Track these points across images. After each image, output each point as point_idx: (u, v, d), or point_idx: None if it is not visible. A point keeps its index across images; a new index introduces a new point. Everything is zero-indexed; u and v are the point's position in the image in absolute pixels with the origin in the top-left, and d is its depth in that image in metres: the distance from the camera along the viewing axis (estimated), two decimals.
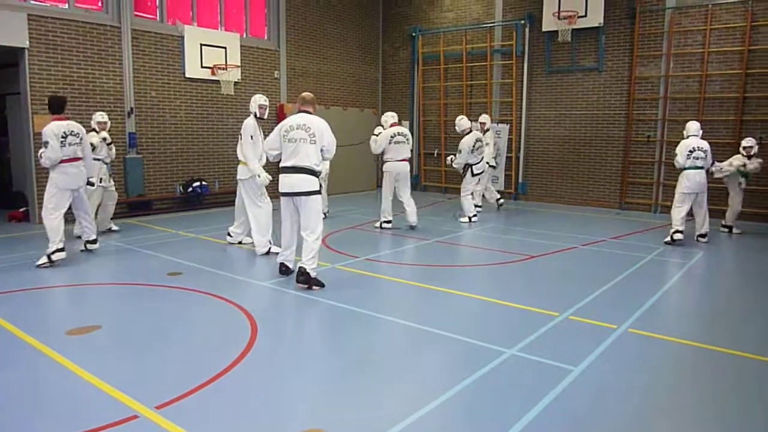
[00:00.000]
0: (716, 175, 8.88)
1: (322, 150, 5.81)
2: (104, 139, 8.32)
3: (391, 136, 9.06)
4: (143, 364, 4.04)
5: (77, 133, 6.90)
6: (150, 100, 10.84)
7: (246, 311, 5.11)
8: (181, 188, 11.30)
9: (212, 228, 9.33)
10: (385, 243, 8.34)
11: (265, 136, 6.64)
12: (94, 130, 8.30)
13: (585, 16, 11.97)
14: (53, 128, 6.68)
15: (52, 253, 6.68)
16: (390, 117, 9.36)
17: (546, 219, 10.88)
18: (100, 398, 3.46)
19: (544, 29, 12.58)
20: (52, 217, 6.70)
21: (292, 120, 5.79)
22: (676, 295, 5.91)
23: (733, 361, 4.22)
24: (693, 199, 8.32)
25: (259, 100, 7.36)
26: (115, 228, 8.77)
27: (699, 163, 8.18)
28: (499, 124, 13.53)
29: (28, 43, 9.13)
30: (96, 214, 8.26)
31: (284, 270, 6.27)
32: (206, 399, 3.48)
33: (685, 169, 8.25)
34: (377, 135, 9.28)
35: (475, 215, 10.27)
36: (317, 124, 5.77)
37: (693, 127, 8.38)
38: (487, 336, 4.55)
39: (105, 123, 8.46)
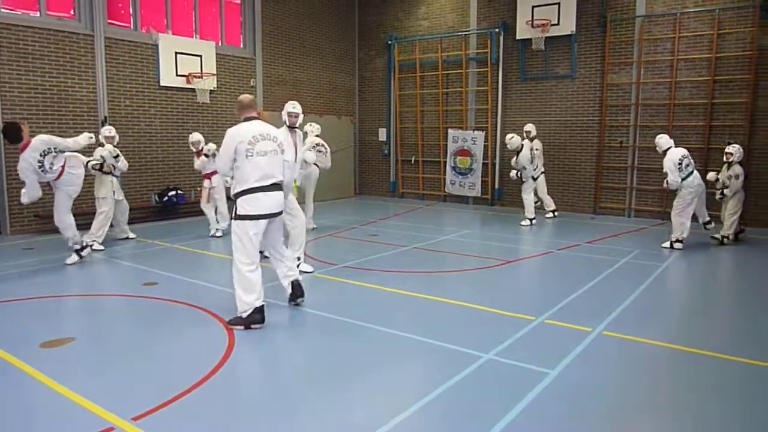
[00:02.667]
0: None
1: (284, 165, 5.09)
2: (109, 152, 8.38)
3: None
4: (119, 375, 3.99)
5: (53, 145, 6.85)
6: (124, 108, 10.72)
7: (223, 320, 5.08)
8: (156, 197, 11.18)
9: (188, 237, 9.25)
10: (363, 250, 8.35)
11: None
12: (101, 144, 8.49)
13: (558, 24, 12.17)
14: (28, 159, 6.60)
15: (82, 248, 7.31)
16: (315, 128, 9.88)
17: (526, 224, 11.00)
18: (75, 411, 3.42)
19: (518, 37, 12.76)
20: (68, 218, 7.11)
21: (251, 130, 4.90)
22: (650, 298, 6.02)
23: (707, 362, 4.31)
24: (695, 200, 8.46)
25: (287, 107, 6.70)
26: (132, 236, 9.09)
27: (691, 168, 8.39)
28: (475, 131, 13.67)
29: None
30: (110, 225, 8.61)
31: (261, 317, 4.95)
32: (184, 409, 3.45)
33: (683, 179, 8.32)
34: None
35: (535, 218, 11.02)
36: (278, 132, 5.16)
37: (664, 140, 8.54)
38: (464, 341, 4.59)
39: (112, 137, 8.57)
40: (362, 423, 3.29)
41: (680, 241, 8.44)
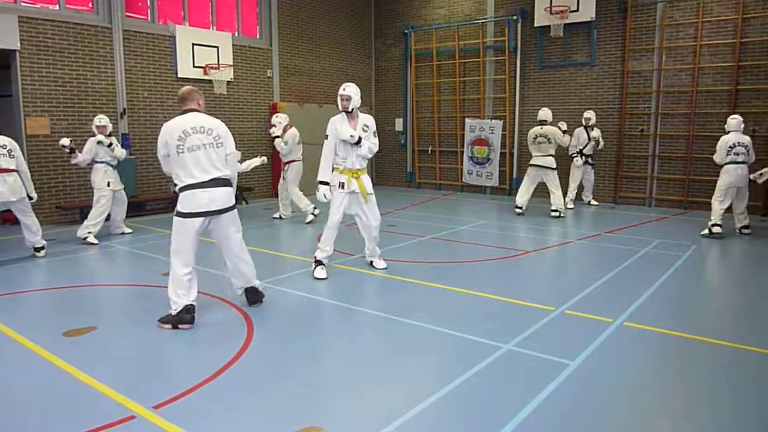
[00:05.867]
0: (759, 181, 8.43)
1: (226, 159, 4.82)
2: (100, 142, 8.09)
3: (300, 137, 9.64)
4: (140, 364, 4.03)
5: (4, 145, 6.90)
6: (142, 100, 10.80)
7: (242, 310, 5.11)
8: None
9: None
10: (382, 241, 8.30)
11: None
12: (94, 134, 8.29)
13: (577, 10, 11.99)
14: None
15: None
16: (284, 119, 9.74)
17: (540, 214, 10.89)
18: (97, 399, 3.46)
19: (536, 24, 12.60)
20: None
21: (181, 124, 4.64)
22: (671, 288, 5.93)
23: (729, 353, 4.24)
24: (734, 193, 8.35)
25: (339, 90, 6.16)
26: (127, 231, 8.82)
27: (740, 158, 8.23)
28: (492, 120, 13.55)
29: (19, 45, 9.08)
30: (108, 217, 8.40)
31: (190, 318, 4.70)
32: (204, 398, 3.47)
33: (725, 164, 8.30)
34: (280, 137, 9.57)
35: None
36: (218, 124, 4.82)
37: (733, 122, 8.42)
38: (483, 331, 4.56)
39: (102, 126, 8.15)
40: (381, 413, 3.28)
41: (718, 225, 8.35)
